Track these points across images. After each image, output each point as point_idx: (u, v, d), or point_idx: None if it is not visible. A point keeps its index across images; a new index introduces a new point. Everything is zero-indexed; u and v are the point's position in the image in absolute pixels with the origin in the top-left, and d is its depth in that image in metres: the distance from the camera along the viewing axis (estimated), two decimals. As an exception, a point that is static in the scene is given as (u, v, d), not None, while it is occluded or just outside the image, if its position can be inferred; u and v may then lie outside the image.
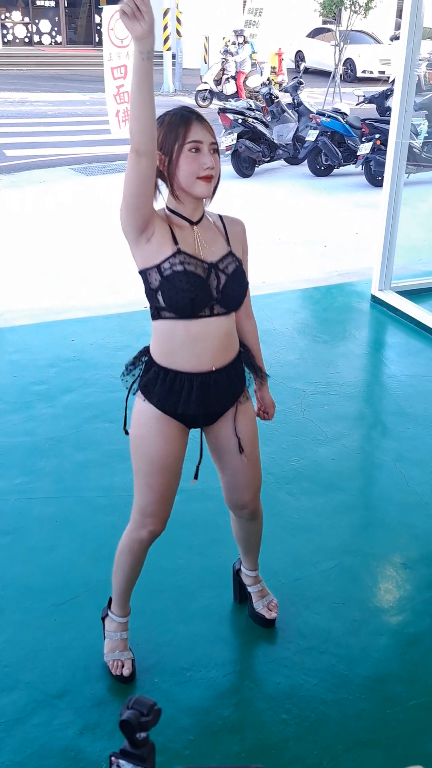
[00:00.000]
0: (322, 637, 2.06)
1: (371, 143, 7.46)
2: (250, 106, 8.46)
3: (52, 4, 21.07)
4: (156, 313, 1.64)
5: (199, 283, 1.58)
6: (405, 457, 2.93)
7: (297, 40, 18.14)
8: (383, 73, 16.82)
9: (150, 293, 1.63)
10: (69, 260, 5.20)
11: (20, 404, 3.25)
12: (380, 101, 9.11)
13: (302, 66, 17.39)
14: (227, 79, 12.55)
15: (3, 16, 20.56)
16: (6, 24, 20.73)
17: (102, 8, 8.77)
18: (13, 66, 17.53)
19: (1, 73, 16.55)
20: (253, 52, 12.75)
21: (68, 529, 2.47)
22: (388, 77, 15.73)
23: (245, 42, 12.61)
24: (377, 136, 7.39)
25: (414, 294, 4.51)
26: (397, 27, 16.85)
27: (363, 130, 7.80)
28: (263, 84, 9.94)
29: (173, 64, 14.89)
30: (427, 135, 7.44)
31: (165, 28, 13.82)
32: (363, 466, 2.95)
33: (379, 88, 10.30)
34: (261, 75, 11.89)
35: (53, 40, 21.38)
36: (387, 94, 8.90)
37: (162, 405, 1.67)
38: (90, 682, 1.91)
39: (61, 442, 2.97)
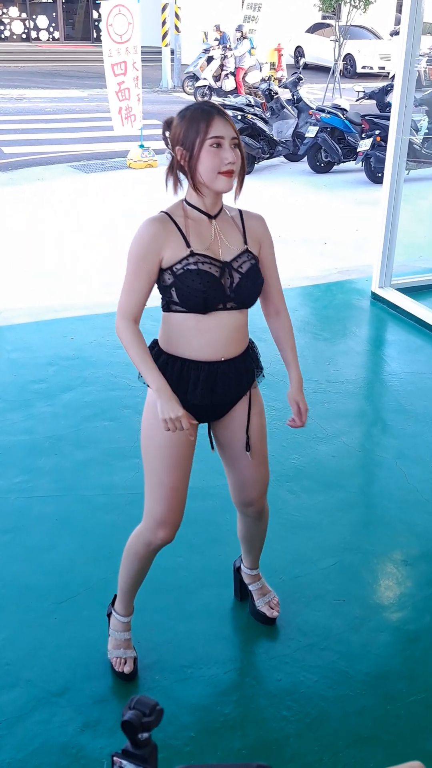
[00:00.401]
0: (323, 634, 2.06)
1: (371, 139, 7.44)
2: (250, 102, 8.44)
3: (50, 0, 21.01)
4: (167, 306, 1.65)
5: (213, 282, 1.59)
6: (405, 455, 2.93)
7: (296, 35, 18.08)
8: (383, 68, 16.76)
9: (163, 289, 1.64)
10: (68, 258, 5.19)
11: (20, 403, 3.25)
12: (380, 97, 9.09)
13: (302, 62, 17.32)
14: (226, 75, 12.51)
15: (0, 12, 20.49)
16: (3, 20, 20.66)
17: (100, 3, 8.74)
18: (10, 62, 17.47)
19: (-1, 70, 16.50)
20: (252, 48, 12.70)
21: (68, 528, 2.47)
22: (388, 73, 15.69)
23: (244, 37, 12.57)
24: (377, 132, 7.37)
25: (414, 291, 4.51)
26: (397, 22, 16.83)
27: (363, 126, 7.78)
28: (262, 80, 9.91)
29: (172, 60, 14.85)
30: (427, 131, 7.42)
31: (163, 23, 13.76)
32: (363, 464, 2.95)
33: (379, 84, 10.28)
34: (260, 71, 11.86)
35: (51, 36, 21.31)
36: (387, 90, 8.88)
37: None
38: (90, 679, 1.91)
39: (61, 441, 2.97)
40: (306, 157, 8.28)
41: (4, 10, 20.55)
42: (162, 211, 1.64)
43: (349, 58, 17.02)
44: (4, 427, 3.05)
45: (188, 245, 1.59)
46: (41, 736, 1.76)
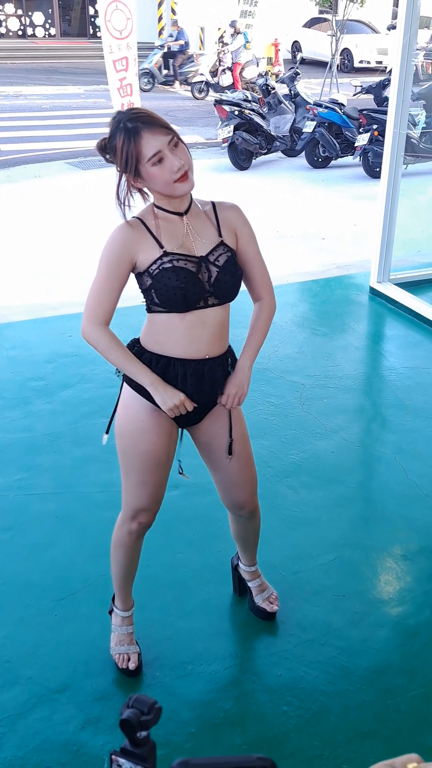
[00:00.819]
0: (323, 629, 2.06)
1: (369, 134, 7.42)
2: (247, 97, 8.41)
3: (46, -5, 20.90)
4: (149, 308, 1.65)
5: (190, 277, 1.58)
6: (404, 450, 2.93)
7: (293, 30, 18.01)
8: (380, 63, 16.70)
9: (144, 292, 1.63)
10: (66, 255, 5.18)
11: (18, 400, 3.24)
12: (378, 91, 9.06)
13: (299, 56, 17.23)
14: (223, 70, 12.47)
15: (-4, 9, 20.39)
16: (-1, 17, 20.56)
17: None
18: (6, 59, 17.40)
19: (-5, 67, 16.44)
20: (247, 42, 12.67)
21: (67, 525, 2.47)
22: (386, 67, 15.64)
23: (237, 33, 12.54)
24: (375, 126, 7.36)
25: (413, 286, 4.50)
26: (394, 16, 16.73)
27: (360, 120, 7.76)
28: (259, 75, 9.87)
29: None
30: (425, 125, 7.39)
31: (160, 19, 13.72)
32: (362, 459, 2.95)
33: (377, 78, 10.24)
34: (257, 66, 11.82)
35: (47, 33, 21.21)
36: (384, 84, 8.86)
37: None
38: (91, 676, 1.91)
39: (60, 438, 2.96)
40: (303, 152, 8.26)
41: (0, 7, 20.46)
42: (134, 216, 1.63)
43: (346, 53, 16.96)
44: (2, 425, 3.05)
45: (161, 246, 1.58)
46: (42, 733, 1.76)
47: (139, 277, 1.61)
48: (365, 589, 2.22)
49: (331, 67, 11.96)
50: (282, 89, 8.84)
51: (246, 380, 1.73)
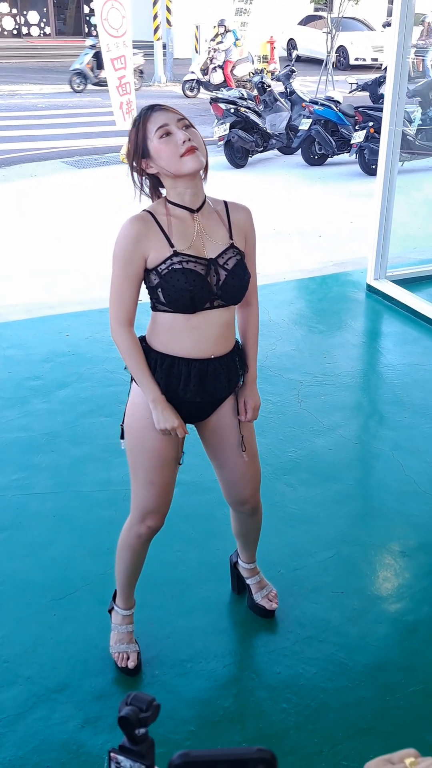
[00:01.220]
0: (322, 626, 2.06)
1: (365, 131, 7.42)
2: (242, 95, 8.40)
3: (41, -6, 20.85)
4: (155, 306, 1.64)
5: (199, 280, 1.57)
6: (402, 446, 2.93)
7: (289, 28, 18.00)
8: (376, 60, 16.71)
9: (150, 290, 1.62)
10: (62, 254, 5.18)
11: (15, 400, 3.24)
12: (373, 89, 9.06)
13: (294, 54, 17.24)
14: (214, 68, 12.45)
15: (-9, 8, 20.34)
16: (-6, 16, 20.50)
17: (91, -2, 8.67)
18: (1, 58, 17.36)
19: (-10, 66, 16.40)
20: (237, 39, 12.67)
21: (66, 524, 2.47)
22: (381, 64, 15.64)
23: (227, 31, 12.53)
24: (371, 124, 7.35)
25: (409, 283, 4.51)
26: (389, 13, 16.72)
27: (356, 118, 7.76)
28: (255, 72, 9.86)
29: (164, 54, 14.77)
30: (420, 122, 7.39)
31: (155, 17, 13.69)
32: (360, 456, 2.96)
33: (372, 76, 10.24)
34: (252, 63, 11.80)
35: (42, 32, 21.17)
36: (380, 82, 8.86)
37: (164, 393, 1.65)
38: (90, 675, 1.91)
39: (57, 437, 2.96)
40: (300, 149, 8.26)
41: (-5, 6, 20.41)
42: (144, 210, 1.62)
43: (341, 50, 16.96)
44: (0, 425, 3.04)
45: (171, 245, 1.57)
46: (41, 733, 1.76)
47: (146, 273, 1.60)
48: (364, 585, 2.23)
49: (326, 65, 11.94)
50: (278, 87, 8.84)
51: (257, 392, 1.79)
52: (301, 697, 1.86)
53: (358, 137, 7.52)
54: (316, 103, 8.07)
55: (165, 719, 1.77)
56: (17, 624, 2.07)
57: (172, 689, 1.88)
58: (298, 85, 8.80)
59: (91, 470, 2.75)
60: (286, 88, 8.72)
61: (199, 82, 12.58)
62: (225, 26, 12.53)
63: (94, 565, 2.26)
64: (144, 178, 1.63)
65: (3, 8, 20.58)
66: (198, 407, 1.72)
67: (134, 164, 1.60)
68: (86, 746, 1.73)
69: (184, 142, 1.53)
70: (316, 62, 15.68)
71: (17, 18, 20.88)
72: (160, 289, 1.58)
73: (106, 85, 13.00)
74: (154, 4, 13.53)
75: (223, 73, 12.47)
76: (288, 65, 9.19)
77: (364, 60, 17.04)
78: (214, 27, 12.86)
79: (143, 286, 1.64)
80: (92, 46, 12.53)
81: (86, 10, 20.16)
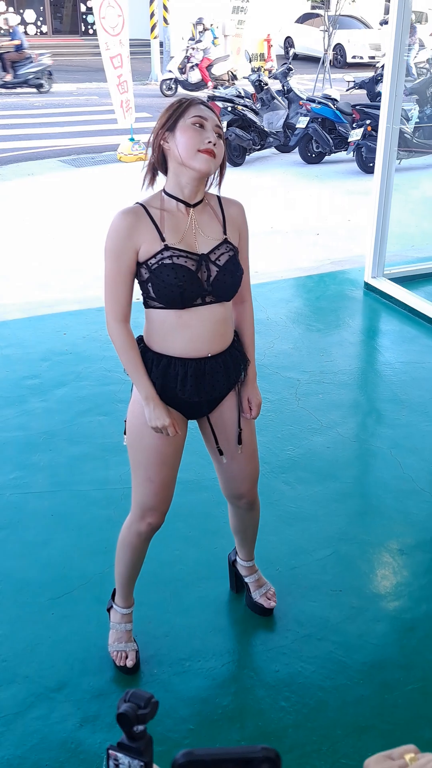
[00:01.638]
0: (320, 624, 2.06)
1: (362, 129, 7.42)
2: (240, 93, 8.40)
3: (38, -7, 20.79)
4: (147, 303, 1.63)
5: (188, 276, 1.56)
6: (400, 444, 2.93)
7: (286, 26, 17.98)
8: (373, 58, 16.69)
9: (141, 284, 1.62)
10: (59, 253, 5.17)
11: (13, 399, 3.23)
12: (371, 86, 9.07)
13: (291, 52, 17.23)
14: (192, 67, 12.43)
15: (-13, 6, 20.28)
16: (-10, 14, 20.43)
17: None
18: (-1, 57, 17.26)
19: (-13, 64, 16.31)
20: (215, 38, 12.70)
21: (64, 523, 2.46)
22: (378, 62, 15.63)
23: (205, 29, 12.54)
24: (368, 122, 7.35)
25: (407, 281, 4.51)
26: (387, 11, 16.71)
27: (354, 116, 7.76)
28: (253, 70, 9.85)
29: (161, 53, 14.75)
30: (418, 120, 7.40)
31: (152, 15, 13.66)
32: (358, 454, 2.96)
33: (370, 74, 10.24)
34: (250, 62, 11.77)
35: (38, 30, 21.11)
36: (377, 80, 8.86)
37: (160, 393, 1.66)
38: (88, 674, 1.91)
39: (55, 436, 2.96)
40: (297, 147, 8.25)
41: (-9, 5, 20.35)
42: (137, 203, 1.61)
43: (339, 48, 16.95)
44: (-3, 424, 3.04)
45: (162, 239, 1.56)
46: (40, 731, 1.76)
47: (138, 267, 1.59)
48: (362, 584, 2.23)
49: (323, 63, 11.94)
50: (275, 85, 8.83)
51: (258, 389, 1.80)
52: (299, 695, 1.86)
53: (355, 135, 7.52)
54: (313, 101, 8.07)
55: (164, 718, 1.77)
56: (15, 623, 2.06)
57: (171, 688, 1.87)
58: (295, 83, 8.79)
59: (89, 469, 2.75)
60: (283, 86, 8.72)
61: (177, 81, 12.54)
62: (203, 24, 12.54)
63: (92, 563, 2.25)
64: (155, 155, 1.61)
65: (-1, 7, 20.53)
66: (198, 405, 1.71)
67: (158, 133, 1.58)
68: (85, 745, 1.73)
69: (209, 141, 1.54)
70: (313, 60, 15.68)
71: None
72: (150, 284, 1.58)
73: (14, 88, 12.59)
74: (151, 2, 13.50)
75: (200, 71, 12.45)
76: (285, 63, 9.19)
77: (362, 58, 17.03)
78: (192, 25, 12.88)
79: (136, 282, 1.63)
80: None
81: (83, 8, 20.11)
